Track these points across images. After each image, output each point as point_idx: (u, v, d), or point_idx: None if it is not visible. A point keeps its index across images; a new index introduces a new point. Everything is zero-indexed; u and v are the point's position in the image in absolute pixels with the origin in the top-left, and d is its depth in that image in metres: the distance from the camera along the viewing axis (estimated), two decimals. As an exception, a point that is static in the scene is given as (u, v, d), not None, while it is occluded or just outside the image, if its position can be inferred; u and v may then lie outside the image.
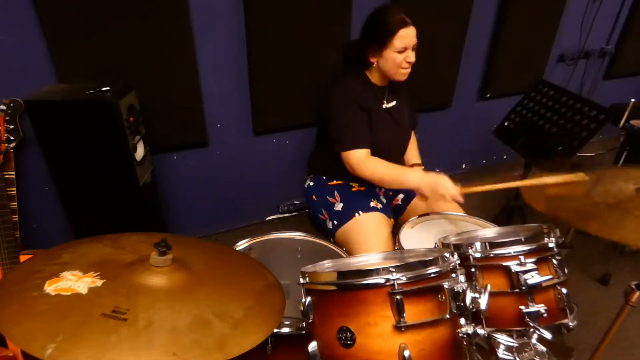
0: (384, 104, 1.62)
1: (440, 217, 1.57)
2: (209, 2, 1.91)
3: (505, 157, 3.47)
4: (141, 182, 1.77)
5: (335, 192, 1.63)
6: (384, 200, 1.67)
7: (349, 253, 1.49)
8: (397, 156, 1.73)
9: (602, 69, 3.45)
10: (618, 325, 1.11)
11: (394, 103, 1.65)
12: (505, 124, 2.21)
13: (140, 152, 1.77)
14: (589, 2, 3.01)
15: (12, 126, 1.50)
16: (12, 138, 1.50)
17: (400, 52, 1.47)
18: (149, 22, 1.80)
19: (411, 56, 1.49)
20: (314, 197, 1.69)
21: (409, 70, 1.52)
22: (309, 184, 1.74)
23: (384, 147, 1.58)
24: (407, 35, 1.45)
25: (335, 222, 1.58)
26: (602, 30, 3.25)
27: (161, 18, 1.82)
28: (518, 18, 2.75)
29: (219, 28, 1.99)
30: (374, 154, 1.55)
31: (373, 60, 1.53)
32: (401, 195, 1.75)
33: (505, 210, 2.31)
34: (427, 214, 1.57)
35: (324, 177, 1.70)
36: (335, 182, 1.67)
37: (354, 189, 1.64)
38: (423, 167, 1.79)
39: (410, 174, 1.47)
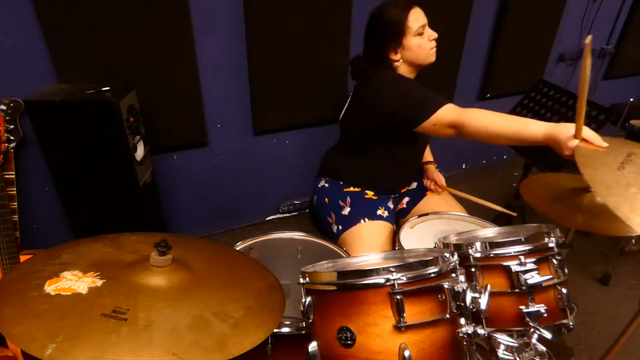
0: None
1: (440, 217, 1.57)
2: (209, 2, 1.91)
3: (505, 157, 3.47)
4: (141, 182, 1.77)
5: (348, 198, 1.60)
6: (392, 206, 1.67)
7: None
8: (419, 154, 1.71)
9: (602, 69, 3.45)
10: (632, 331, 1.07)
11: None
12: (505, 124, 2.21)
13: (140, 152, 1.77)
14: (589, 2, 3.01)
15: (12, 126, 1.50)
16: (12, 138, 1.50)
17: (421, 35, 1.41)
18: (149, 22, 1.80)
19: (432, 32, 1.43)
20: (326, 199, 1.64)
21: (435, 48, 1.45)
22: (323, 185, 1.68)
23: (414, 148, 1.58)
24: (418, 16, 1.41)
25: (341, 226, 1.57)
26: (602, 30, 3.25)
27: (161, 18, 1.82)
28: (518, 18, 2.75)
29: (219, 28, 1.99)
30: (394, 155, 1.55)
31: (396, 57, 1.45)
32: (407, 199, 1.75)
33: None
34: (427, 214, 1.57)
35: (341, 183, 1.65)
36: (352, 189, 1.63)
37: (367, 196, 1.62)
38: (436, 165, 1.79)
39: (531, 124, 1.17)
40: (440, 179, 1.73)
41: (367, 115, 1.49)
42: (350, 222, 1.56)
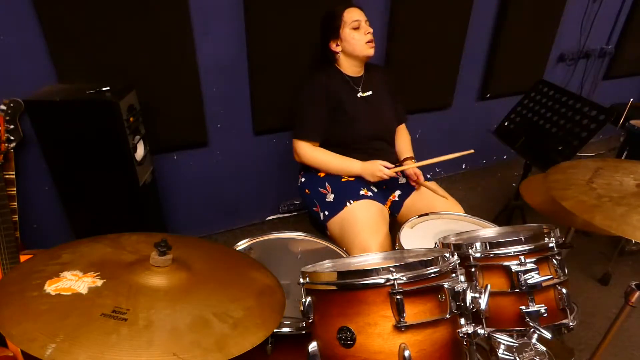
0: (359, 92, 1.68)
1: (440, 217, 1.57)
2: (209, 2, 1.91)
3: (505, 157, 3.47)
4: (141, 182, 1.77)
5: (327, 184, 1.65)
6: (375, 189, 1.69)
7: (345, 243, 1.51)
8: (383, 146, 1.74)
9: (602, 69, 3.45)
10: (618, 325, 1.10)
11: (369, 93, 1.71)
12: (505, 124, 2.21)
13: (140, 152, 1.77)
14: (589, 2, 3.01)
15: (12, 126, 1.50)
16: (12, 138, 1.50)
17: (357, 29, 1.59)
18: (149, 22, 1.80)
19: (368, 27, 1.61)
20: (307, 191, 1.72)
21: (373, 42, 1.62)
22: (301, 181, 1.78)
23: (362, 135, 1.66)
24: (353, 13, 1.60)
25: (327, 212, 1.60)
26: (602, 30, 3.25)
27: (161, 18, 1.82)
28: (518, 18, 2.75)
29: (219, 28, 1.99)
30: (356, 144, 1.65)
31: (337, 48, 1.63)
32: (398, 192, 1.76)
33: (505, 210, 2.31)
34: (427, 214, 1.57)
35: (314, 171, 1.73)
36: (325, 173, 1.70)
37: (343, 180, 1.66)
38: (414, 160, 1.80)
39: (353, 164, 1.63)
40: (418, 172, 1.73)
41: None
42: (336, 207, 1.58)
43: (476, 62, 2.87)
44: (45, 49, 1.68)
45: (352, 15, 1.59)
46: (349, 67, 1.68)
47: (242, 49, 2.07)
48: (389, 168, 1.59)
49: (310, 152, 1.65)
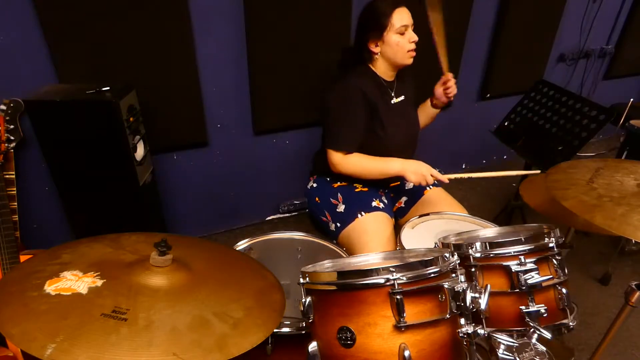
0: (392, 99, 1.60)
1: (440, 217, 1.57)
2: (209, 2, 1.91)
3: (505, 157, 3.47)
4: (141, 182, 1.77)
5: (339, 194, 1.61)
6: (386, 201, 1.67)
7: (352, 254, 1.49)
8: (407, 154, 1.71)
9: (602, 69, 3.45)
10: (618, 325, 1.10)
11: (402, 98, 1.63)
12: (505, 124, 2.21)
13: (140, 152, 1.77)
14: (589, 2, 3.01)
15: (12, 126, 1.50)
16: (12, 138, 1.50)
17: (402, 34, 1.46)
18: (149, 22, 1.80)
19: (414, 35, 1.48)
20: (317, 199, 1.67)
21: (414, 51, 1.51)
22: (312, 185, 1.72)
23: (393, 144, 1.58)
24: (403, 15, 1.46)
25: (339, 224, 1.57)
26: (602, 30, 3.25)
27: (161, 18, 1.82)
28: (518, 18, 2.75)
29: (219, 28, 1.99)
30: (383, 152, 1.56)
31: (376, 49, 1.51)
32: (404, 198, 1.75)
33: (505, 210, 2.31)
34: (428, 214, 1.57)
35: (328, 179, 1.68)
36: (339, 183, 1.65)
37: (357, 190, 1.63)
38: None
39: (391, 163, 1.51)
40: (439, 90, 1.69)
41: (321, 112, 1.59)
42: (347, 218, 1.56)
43: (476, 62, 2.87)
44: (45, 49, 1.68)
45: (402, 19, 1.45)
46: (384, 71, 1.56)
47: (242, 49, 2.07)
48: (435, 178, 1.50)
49: (346, 162, 1.52)
